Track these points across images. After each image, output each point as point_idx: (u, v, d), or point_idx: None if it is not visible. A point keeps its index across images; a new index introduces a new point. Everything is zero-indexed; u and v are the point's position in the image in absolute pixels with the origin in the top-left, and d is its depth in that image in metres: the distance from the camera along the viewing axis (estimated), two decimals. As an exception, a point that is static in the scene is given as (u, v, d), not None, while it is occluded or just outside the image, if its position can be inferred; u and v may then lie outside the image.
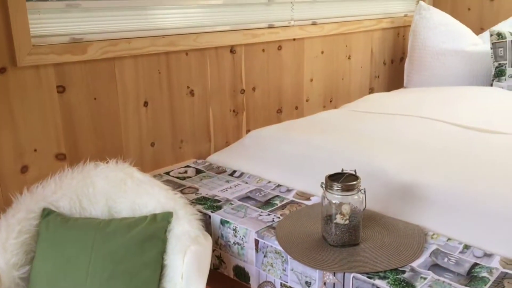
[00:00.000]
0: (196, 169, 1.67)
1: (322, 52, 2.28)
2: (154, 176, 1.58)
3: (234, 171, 1.63)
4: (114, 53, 1.47)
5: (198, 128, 1.81)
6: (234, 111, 1.93)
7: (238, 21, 1.90)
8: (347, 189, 1.12)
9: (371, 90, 2.68)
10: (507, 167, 1.36)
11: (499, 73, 2.30)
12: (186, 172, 1.65)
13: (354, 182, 1.12)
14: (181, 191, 1.47)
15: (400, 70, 2.83)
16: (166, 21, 1.65)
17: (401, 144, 1.56)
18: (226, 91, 1.88)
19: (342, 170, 1.19)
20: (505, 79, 2.28)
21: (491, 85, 2.34)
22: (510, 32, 2.30)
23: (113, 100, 1.52)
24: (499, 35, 2.29)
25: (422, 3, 2.58)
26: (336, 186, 1.12)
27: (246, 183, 1.54)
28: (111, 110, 1.52)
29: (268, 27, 2.00)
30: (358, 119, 1.87)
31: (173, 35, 1.65)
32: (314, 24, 2.20)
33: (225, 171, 1.64)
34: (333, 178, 1.15)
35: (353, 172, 1.18)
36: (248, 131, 1.99)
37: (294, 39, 2.11)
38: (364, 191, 1.14)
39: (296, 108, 2.22)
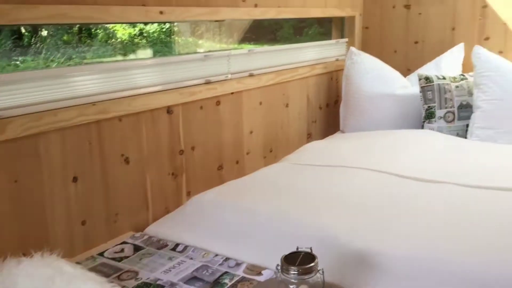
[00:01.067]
0: (134, 245, 1.53)
1: (261, 103, 2.25)
2: (87, 259, 1.42)
3: (177, 245, 1.51)
4: (38, 128, 1.33)
5: (134, 197, 1.68)
6: (173, 174, 1.82)
7: (174, 79, 1.81)
8: (305, 272, 1.05)
9: (309, 136, 2.68)
10: (458, 221, 1.36)
11: (429, 115, 2.38)
12: (122, 250, 1.50)
13: (312, 264, 1.05)
14: (119, 277, 1.33)
15: (336, 113, 2.86)
16: (95, 87, 1.53)
17: (348, 203, 1.53)
18: (163, 154, 1.77)
19: (297, 248, 1.12)
20: (435, 121, 2.36)
21: (422, 126, 2.41)
22: (436, 76, 2.39)
23: (37, 181, 1.36)
24: (427, 79, 2.38)
25: (352, 48, 2.64)
26: (293, 270, 1.05)
27: (191, 258, 1.43)
28: (35, 191, 1.36)
29: (205, 83, 1.93)
30: (300, 174, 1.83)
31: (105, 101, 1.53)
32: (251, 75, 2.17)
33: (166, 245, 1.51)
34: (289, 260, 1.08)
35: (309, 250, 1.11)
36: (188, 193, 1.89)
37: (232, 93, 2.06)
38: (323, 272, 1.08)
39: (237, 162, 2.15)
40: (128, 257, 1.45)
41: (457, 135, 2.34)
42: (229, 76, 2.06)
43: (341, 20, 2.98)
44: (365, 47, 3.01)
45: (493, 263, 1.15)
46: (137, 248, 1.51)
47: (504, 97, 2.17)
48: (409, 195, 1.57)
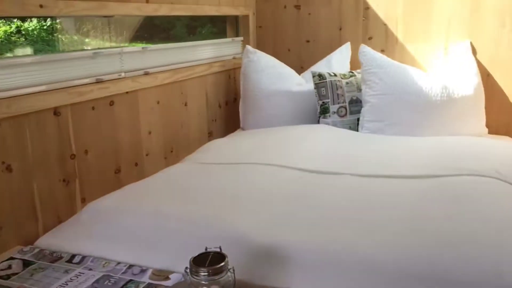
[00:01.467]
0: (23, 260, 1.37)
1: (158, 102, 2.16)
2: (-33, 282, 1.24)
3: (73, 256, 1.39)
4: None
5: (19, 208, 1.51)
6: (64, 180, 1.67)
7: (60, 78, 1.66)
8: (215, 273, 1.01)
9: (210, 134, 2.65)
10: (356, 209, 1.42)
11: (324, 111, 2.48)
12: (10, 267, 1.34)
13: (222, 264, 1.02)
14: (8, 299, 1.18)
15: (235, 110, 2.87)
16: (-35, 86, 1.34)
17: (252, 200, 1.53)
18: (52, 159, 1.62)
19: (206, 249, 1.09)
20: (329, 116, 2.47)
21: (318, 121, 2.51)
22: (328, 73, 2.50)
23: None
24: (320, 76, 2.48)
25: (248, 47, 2.66)
26: (203, 271, 1.01)
27: (90, 269, 1.32)
28: None
29: (96, 82, 1.80)
30: (203, 173, 1.79)
31: (-22, 103, 1.35)
32: (146, 74, 2.07)
33: (61, 257, 1.38)
34: (198, 261, 1.04)
35: (218, 250, 1.08)
36: (83, 200, 1.75)
37: (127, 92, 1.95)
38: (233, 270, 1.05)
39: (136, 164, 2.04)
40: (16, 273, 1.30)
41: (350, 128, 2.47)
42: (123, 74, 1.95)
43: (235, 18, 2.99)
44: (260, 46, 3.06)
45: (391, 248, 1.22)
46: (26, 264, 1.35)
47: (389, 92, 2.34)
48: (310, 188, 1.62)
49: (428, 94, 2.30)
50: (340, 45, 2.86)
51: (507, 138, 2.53)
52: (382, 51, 2.76)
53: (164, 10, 2.14)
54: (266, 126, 2.62)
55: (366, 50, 2.41)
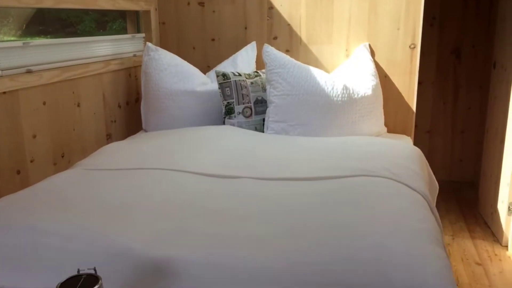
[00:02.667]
0: None
1: (44, 103, 1.97)
2: None
3: None
4: None
5: None
6: None
7: None
8: (86, 298, 0.90)
9: (109, 137, 2.48)
10: (254, 216, 1.36)
11: (229, 111, 2.42)
12: None
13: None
14: None
15: (137, 111, 2.72)
16: None
17: (145, 209, 1.42)
18: None
19: (79, 271, 0.97)
20: (235, 116, 2.42)
21: (224, 122, 2.45)
22: (233, 73, 2.45)
23: None
24: (224, 76, 2.42)
25: (149, 44, 2.53)
26: (72, 298, 0.89)
27: (-51, 299, 1.14)
28: None
29: (-36, 81, 1.59)
30: (92, 181, 1.65)
31: None
32: (29, 72, 1.87)
33: None
34: (67, 286, 0.92)
35: (92, 271, 0.97)
36: (-50, 215, 1.53)
37: (4, 93, 1.74)
38: (109, 294, 0.95)
39: (19, 172, 1.84)
40: None
41: (255, 129, 2.44)
42: (0, 72, 1.74)
43: (136, 14, 2.84)
44: (164, 43, 2.93)
45: (285, 257, 1.18)
46: None
47: (293, 92, 2.34)
48: (207, 195, 1.54)
49: (330, 95, 2.33)
50: (246, 44, 2.82)
51: (403, 136, 2.65)
52: (287, 51, 2.77)
53: (48, 3, 1.94)
54: (170, 127, 2.51)
55: (269, 50, 2.39)
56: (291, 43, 2.77)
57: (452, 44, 3.59)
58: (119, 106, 2.57)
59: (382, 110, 2.57)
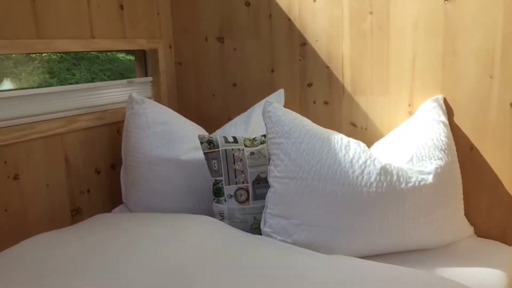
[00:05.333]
0: None
1: None
2: None
3: None
4: None
5: None
6: None
7: None
8: None
9: (78, 212, 1.94)
10: None
11: (217, 192, 1.71)
12: None
13: None
14: None
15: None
16: None
17: None
18: None
19: None
20: (225, 200, 1.70)
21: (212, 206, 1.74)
22: (224, 138, 1.73)
23: None
24: (210, 142, 1.71)
25: (133, 95, 1.94)
26: None
27: None
28: None
29: None
30: None
31: None
32: None
33: None
34: None
35: None
36: None
37: None
38: None
39: None
40: None
41: (254, 220, 1.69)
42: None
43: (143, 53, 2.30)
44: (180, 89, 2.34)
45: None
46: None
47: (299, 175, 1.53)
48: None
49: (357, 182, 1.47)
50: (274, 90, 2.09)
51: (501, 246, 1.65)
52: (326, 103, 1.97)
53: (40, 47, 1.49)
54: (151, 204, 1.89)
55: (271, 110, 1.61)
56: (330, 92, 1.96)
57: None
58: (97, 172, 2.01)
59: (459, 205, 1.62)
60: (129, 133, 1.92)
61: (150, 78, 2.28)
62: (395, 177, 1.47)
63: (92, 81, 2.81)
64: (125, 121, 1.95)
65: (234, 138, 1.74)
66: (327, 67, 1.94)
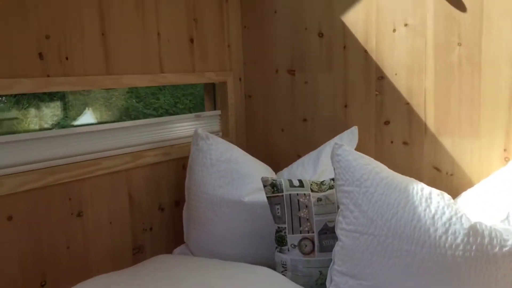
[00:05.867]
0: None
1: (10, 219, 1.50)
2: None
3: None
4: None
5: None
6: None
7: None
8: None
9: (140, 250, 1.89)
10: None
11: (280, 241, 1.57)
12: None
13: None
14: None
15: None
16: None
17: None
18: None
19: None
20: (288, 250, 1.55)
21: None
22: (290, 182, 1.59)
23: None
24: (274, 186, 1.58)
25: (198, 131, 1.88)
26: None
27: None
28: None
29: None
30: None
31: None
32: (-20, 181, 1.44)
33: None
34: None
35: None
36: None
37: None
38: None
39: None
40: None
41: (320, 274, 1.53)
42: None
43: (211, 86, 2.25)
44: (250, 123, 2.26)
45: None
46: None
47: (370, 230, 1.35)
48: None
49: (440, 242, 1.26)
50: (347, 128, 1.92)
51: None
52: (405, 144, 1.77)
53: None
54: (211, 246, 1.81)
55: (341, 153, 1.45)
56: (410, 131, 1.76)
57: None
58: (161, 209, 1.97)
59: None
60: (193, 170, 1.85)
61: (218, 112, 2.22)
62: (486, 239, 1.24)
63: (175, 105, 2.83)
64: (189, 157, 1.89)
65: (300, 181, 1.60)
66: (407, 103, 1.74)
